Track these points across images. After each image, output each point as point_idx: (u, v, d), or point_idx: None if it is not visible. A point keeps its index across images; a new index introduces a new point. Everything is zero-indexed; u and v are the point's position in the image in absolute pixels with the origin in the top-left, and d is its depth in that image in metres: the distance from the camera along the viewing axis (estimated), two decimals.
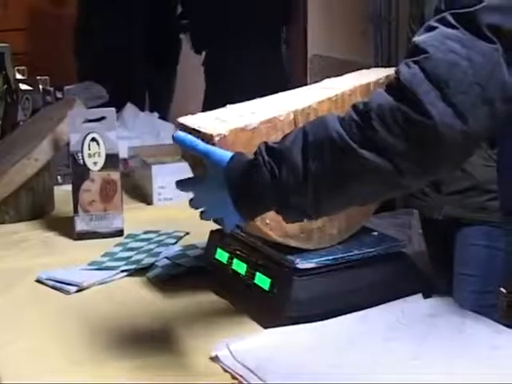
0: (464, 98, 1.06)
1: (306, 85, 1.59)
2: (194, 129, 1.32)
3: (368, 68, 1.66)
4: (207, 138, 1.28)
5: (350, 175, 1.11)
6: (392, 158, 1.07)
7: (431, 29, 1.10)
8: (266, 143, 1.17)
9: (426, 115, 1.04)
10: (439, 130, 1.05)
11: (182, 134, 1.26)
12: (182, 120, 1.37)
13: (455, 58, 1.06)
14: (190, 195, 1.26)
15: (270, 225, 1.36)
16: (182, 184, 1.28)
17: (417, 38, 1.11)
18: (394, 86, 1.08)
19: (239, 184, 1.17)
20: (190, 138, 1.25)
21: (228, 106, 1.45)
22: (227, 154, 1.20)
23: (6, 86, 2.85)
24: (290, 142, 1.14)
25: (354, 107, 1.10)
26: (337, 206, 1.19)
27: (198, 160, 1.36)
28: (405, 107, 1.05)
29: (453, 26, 1.09)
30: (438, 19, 1.11)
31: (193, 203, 1.28)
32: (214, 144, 1.27)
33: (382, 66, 1.70)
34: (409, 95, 1.05)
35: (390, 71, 1.51)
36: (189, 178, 1.30)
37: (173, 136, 1.25)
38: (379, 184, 1.12)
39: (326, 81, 1.56)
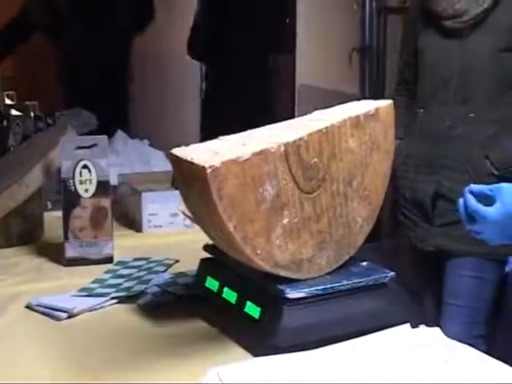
0: None
1: (293, 113, 1.62)
2: (186, 160, 1.34)
3: (356, 99, 1.69)
4: (200, 170, 1.30)
5: None
6: None
7: None
8: None
9: None
10: None
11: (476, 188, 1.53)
12: (175, 151, 1.39)
13: None
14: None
15: (261, 255, 1.36)
16: (468, 220, 1.53)
17: None
18: None
19: None
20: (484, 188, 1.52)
21: (220, 137, 1.47)
22: None
23: None
24: None
25: None
26: None
27: (188, 188, 1.38)
28: None
29: None
30: None
31: (480, 235, 1.54)
32: (206, 175, 1.28)
33: (369, 97, 1.72)
34: None
35: (379, 103, 1.54)
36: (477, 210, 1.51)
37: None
38: None
39: (316, 113, 1.58)
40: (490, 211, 1.49)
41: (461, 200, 1.55)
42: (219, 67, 4.59)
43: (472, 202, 1.52)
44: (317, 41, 4.41)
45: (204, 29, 4.35)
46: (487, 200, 1.52)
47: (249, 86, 4.41)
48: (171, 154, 1.40)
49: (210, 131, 4.45)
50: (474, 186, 1.55)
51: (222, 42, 4.40)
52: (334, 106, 1.61)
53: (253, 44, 4.40)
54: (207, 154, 1.35)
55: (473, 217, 1.53)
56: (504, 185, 1.51)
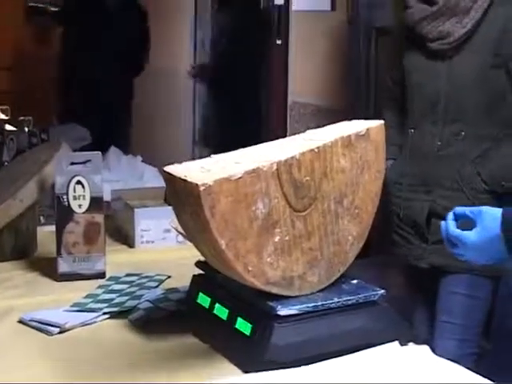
0: None
1: (286, 130, 1.63)
2: (179, 178, 1.34)
3: (347, 116, 1.69)
4: (193, 188, 1.30)
5: None
6: None
7: None
8: None
9: None
10: None
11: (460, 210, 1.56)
12: (169, 169, 1.39)
13: None
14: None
15: (253, 272, 1.37)
16: (451, 244, 1.56)
17: None
18: None
19: None
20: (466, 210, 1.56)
21: (212, 155, 1.47)
22: (496, 214, 1.49)
23: None
24: None
25: None
26: None
27: (181, 205, 1.38)
28: None
29: None
30: None
31: (462, 257, 1.57)
32: (199, 193, 1.29)
33: (359, 114, 1.73)
34: None
35: (370, 124, 1.55)
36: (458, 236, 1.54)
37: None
38: None
39: (308, 132, 1.58)
40: (469, 236, 1.52)
41: (443, 224, 1.57)
42: (215, 85, 4.64)
43: (451, 227, 1.55)
44: (308, 60, 4.42)
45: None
46: (469, 222, 1.55)
47: (243, 103, 4.44)
48: (164, 171, 1.40)
49: (204, 148, 4.49)
50: (457, 209, 1.58)
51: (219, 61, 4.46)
52: (324, 122, 1.61)
53: (246, 63, 4.44)
54: (200, 171, 1.35)
55: (454, 241, 1.56)
56: (484, 208, 1.54)
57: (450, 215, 1.57)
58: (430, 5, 2.38)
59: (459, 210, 1.57)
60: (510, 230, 1.46)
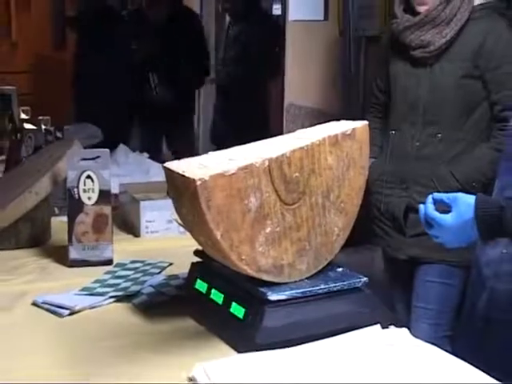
0: None
1: (282, 129, 1.62)
2: (178, 173, 1.33)
3: (337, 118, 1.68)
4: (190, 183, 1.29)
5: None
6: None
7: None
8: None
9: None
10: None
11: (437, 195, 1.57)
12: (168, 165, 1.38)
13: None
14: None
15: (246, 260, 1.36)
16: (428, 226, 1.56)
17: None
18: None
19: (489, 225, 1.46)
20: (443, 196, 1.56)
21: (209, 152, 1.46)
22: (470, 201, 1.50)
23: (11, 125, 2.85)
24: None
25: None
26: None
27: (180, 199, 1.37)
28: None
29: None
30: None
31: (437, 239, 1.57)
32: (195, 187, 1.27)
33: (349, 116, 1.72)
34: None
35: (356, 124, 1.53)
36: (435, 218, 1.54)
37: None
38: None
39: (299, 131, 1.57)
40: (445, 219, 1.52)
41: (422, 207, 1.58)
42: (220, 88, 4.64)
43: (430, 210, 1.55)
44: (303, 66, 4.41)
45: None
46: (445, 207, 1.55)
47: (245, 104, 4.45)
48: (165, 167, 1.39)
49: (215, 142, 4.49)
50: (435, 194, 1.59)
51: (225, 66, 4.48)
52: (316, 123, 1.60)
53: (249, 69, 4.44)
54: (197, 167, 1.34)
55: (431, 223, 1.56)
56: (460, 195, 1.54)
57: (429, 199, 1.57)
58: (413, 15, 2.38)
59: (437, 195, 1.58)
60: (482, 215, 1.46)
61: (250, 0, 4.61)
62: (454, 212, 1.53)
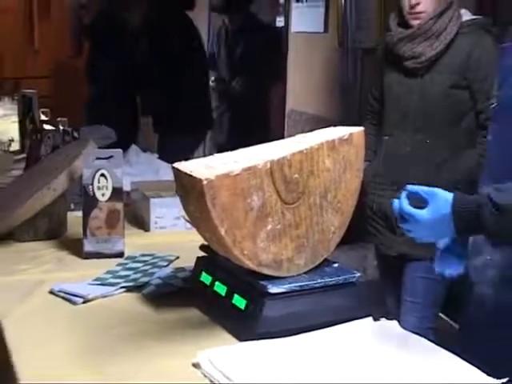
0: None
1: (283, 134, 1.60)
2: (186, 173, 1.33)
3: (335, 124, 1.67)
4: (197, 182, 1.28)
5: None
6: None
7: None
8: (489, 197, 1.35)
9: None
10: None
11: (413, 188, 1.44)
12: (177, 165, 1.37)
13: None
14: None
15: (247, 255, 1.35)
16: (402, 221, 1.43)
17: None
18: None
19: (466, 221, 1.37)
20: (419, 189, 1.43)
21: (215, 154, 1.45)
22: (448, 197, 1.39)
23: (32, 126, 2.85)
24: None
25: None
26: None
27: (187, 197, 1.37)
28: None
29: None
30: None
31: (411, 233, 1.45)
32: (202, 187, 1.27)
33: (347, 123, 1.71)
34: None
35: (352, 129, 1.53)
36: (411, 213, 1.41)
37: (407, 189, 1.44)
38: None
39: (299, 136, 1.57)
40: (422, 214, 1.40)
41: (396, 201, 1.44)
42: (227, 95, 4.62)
43: (405, 204, 1.42)
44: (304, 74, 4.40)
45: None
46: (420, 201, 1.43)
47: (250, 109, 4.44)
48: (173, 167, 1.39)
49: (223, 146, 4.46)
50: (410, 187, 1.45)
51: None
52: (316, 129, 1.60)
53: (254, 78, 4.43)
54: (204, 168, 1.34)
55: (406, 217, 1.43)
56: (438, 190, 1.43)
57: (404, 193, 1.44)
58: (406, 29, 2.38)
59: (413, 188, 1.44)
60: (460, 211, 1.38)
61: (252, 13, 4.61)
62: (431, 207, 1.40)
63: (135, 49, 3.88)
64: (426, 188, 1.43)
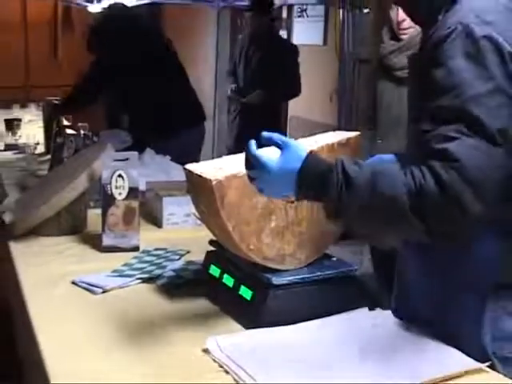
0: (490, 196, 1.07)
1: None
2: (196, 174, 1.32)
3: (333, 129, 1.66)
4: (207, 182, 1.28)
5: (392, 226, 1.13)
6: (431, 229, 1.09)
7: (452, 139, 1.08)
8: (343, 165, 1.13)
9: (465, 212, 1.07)
10: (470, 219, 1.07)
11: (267, 134, 1.19)
12: (188, 166, 1.37)
13: (481, 165, 1.06)
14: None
15: (253, 250, 1.35)
16: (248, 167, 1.19)
17: (447, 146, 1.08)
18: (436, 186, 1.07)
19: (310, 183, 1.15)
20: (274, 135, 1.18)
21: (224, 156, 1.44)
22: (301, 152, 1.16)
23: (56, 130, 2.84)
24: (364, 181, 1.11)
25: (424, 189, 1.08)
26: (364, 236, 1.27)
27: (198, 196, 1.36)
28: (449, 206, 1.07)
29: (471, 136, 1.08)
30: (457, 130, 1.09)
31: (255, 182, 1.19)
32: (212, 186, 1.26)
33: (344, 127, 1.70)
34: (452, 197, 1.07)
35: (350, 134, 1.51)
36: (256, 158, 1.17)
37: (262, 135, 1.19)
38: (405, 235, 1.18)
39: (300, 140, 1.55)
40: (269, 160, 1.16)
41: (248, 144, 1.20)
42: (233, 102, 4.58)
43: (253, 148, 1.18)
44: (305, 83, 4.39)
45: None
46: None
47: (255, 115, 4.40)
48: (185, 168, 1.38)
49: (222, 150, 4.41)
50: (266, 133, 1.20)
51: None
52: (316, 134, 1.58)
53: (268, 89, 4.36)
54: (213, 169, 1.33)
55: (253, 162, 1.18)
56: (295, 142, 1.20)
57: (252, 142, 1.19)
58: (398, 41, 2.40)
59: (268, 134, 1.19)
60: (306, 169, 1.16)
61: (267, 27, 4.43)
62: (282, 157, 1.16)
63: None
64: (283, 137, 1.19)
